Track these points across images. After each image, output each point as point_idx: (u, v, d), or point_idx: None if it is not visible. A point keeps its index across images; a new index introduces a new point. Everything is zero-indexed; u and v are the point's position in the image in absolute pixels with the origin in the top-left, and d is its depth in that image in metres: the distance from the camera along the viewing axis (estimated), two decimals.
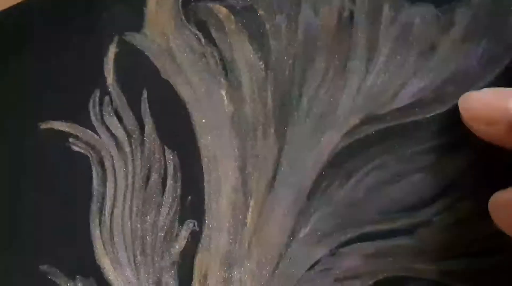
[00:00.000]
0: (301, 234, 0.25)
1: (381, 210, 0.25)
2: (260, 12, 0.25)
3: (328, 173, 0.25)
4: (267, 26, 0.25)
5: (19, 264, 0.26)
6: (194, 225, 0.26)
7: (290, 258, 0.25)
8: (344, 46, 0.25)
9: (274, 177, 0.26)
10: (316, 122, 0.25)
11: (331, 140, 0.25)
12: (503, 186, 0.25)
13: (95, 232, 0.26)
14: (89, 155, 0.26)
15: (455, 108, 0.24)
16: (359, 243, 0.25)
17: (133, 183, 0.26)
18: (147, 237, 0.26)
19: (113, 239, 0.26)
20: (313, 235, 0.25)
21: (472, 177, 0.25)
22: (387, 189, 0.25)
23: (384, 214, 0.25)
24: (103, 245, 0.26)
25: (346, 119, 0.25)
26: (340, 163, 0.25)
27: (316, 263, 0.25)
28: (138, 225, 0.26)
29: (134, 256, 0.26)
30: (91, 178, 0.26)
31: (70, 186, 0.26)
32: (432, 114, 0.25)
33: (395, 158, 0.25)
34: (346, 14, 0.25)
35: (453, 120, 0.25)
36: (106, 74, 0.25)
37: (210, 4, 0.25)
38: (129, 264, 0.26)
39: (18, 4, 0.24)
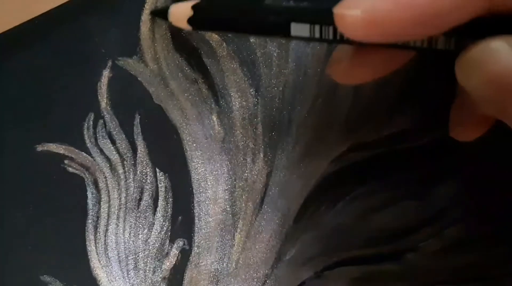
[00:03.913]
0: (287, 256, 0.25)
1: (368, 235, 0.25)
2: (252, 40, 0.24)
3: (315, 198, 0.25)
4: (259, 53, 0.24)
5: (20, 274, 0.26)
6: (184, 244, 0.25)
7: (276, 279, 0.25)
8: None
9: (262, 200, 0.25)
10: (304, 148, 0.25)
11: (319, 166, 0.25)
12: (490, 215, 0.24)
13: (91, 248, 0.25)
14: (84, 176, 0.25)
15: (443, 137, 0.23)
16: (344, 267, 0.25)
17: (126, 203, 0.25)
18: (140, 253, 0.25)
19: (107, 254, 0.25)
20: (299, 257, 0.25)
21: (459, 205, 0.24)
22: (373, 215, 0.25)
23: (370, 239, 0.25)
24: (98, 259, 0.25)
25: (334, 146, 0.24)
26: (327, 188, 0.25)
27: (301, 285, 0.25)
28: (131, 242, 0.25)
29: (128, 271, 0.25)
30: (86, 197, 0.25)
31: (67, 205, 0.25)
32: (419, 143, 0.24)
33: (382, 185, 0.25)
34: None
35: (440, 148, 0.24)
36: (100, 98, 0.25)
37: (202, 31, 0.24)
38: (123, 277, 0.25)
39: (13, 28, 0.24)
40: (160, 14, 0.23)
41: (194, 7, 0.21)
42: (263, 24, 0.19)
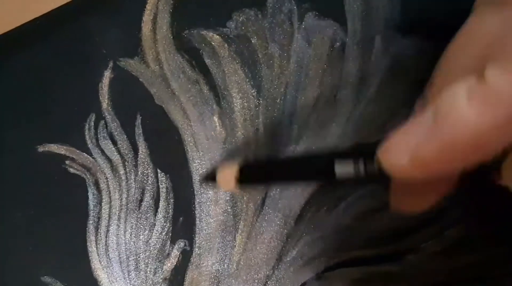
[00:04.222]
0: (288, 257, 0.25)
1: (368, 236, 0.24)
2: (254, 41, 0.24)
3: (317, 199, 0.25)
4: (260, 54, 0.24)
5: (20, 275, 0.25)
6: (185, 245, 0.25)
7: (277, 280, 0.25)
8: (335, 76, 0.24)
9: (263, 201, 0.25)
10: (305, 149, 0.25)
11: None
12: (491, 215, 0.24)
13: (92, 248, 0.25)
14: (85, 177, 0.25)
15: None
16: (345, 268, 0.24)
17: (127, 204, 0.25)
18: (141, 254, 0.25)
19: (108, 255, 0.25)
20: (300, 258, 0.25)
21: (460, 206, 0.24)
22: (375, 216, 0.24)
23: (371, 240, 0.24)
24: (99, 260, 0.25)
25: (336, 147, 0.24)
26: (328, 190, 0.24)
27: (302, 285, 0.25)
28: (132, 243, 0.25)
29: (128, 272, 0.25)
30: (87, 198, 0.25)
31: (68, 205, 0.25)
32: None
33: (383, 186, 0.25)
34: (338, 44, 0.24)
35: None
36: (101, 99, 0.24)
37: (204, 32, 0.24)
38: (123, 278, 0.25)
39: (14, 28, 0.24)
40: (209, 180, 0.23)
41: (241, 170, 0.21)
42: (309, 171, 0.19)
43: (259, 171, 0.21)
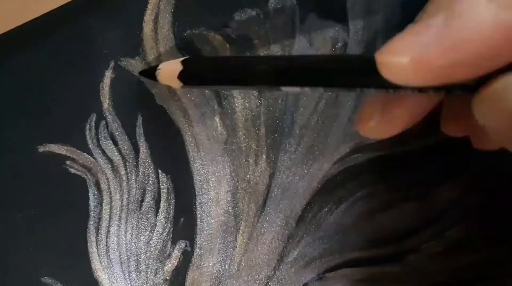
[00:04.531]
0: (290, 258, 0.25)
1: (370, 236, 0.24)
2: (255, 41, 0.24)
3: (318, 200, 0.24)
4: (261, 54, 0.24)
5: (20, 276, 0.25)
6: (186, 245, 0.25)
7: (278, 280, 0.25)
8: None
9: (264, 202, 0.25)
10: (307, 149, 0.24)
11: (321, 168, 0.24)
12: (491, 216, 0.24)
13: (92, 249, 0.25)
14: (85, 177, 0.25)
15: (445, 139, 0.22)
16: (346, 269, 0.24)
17: (128, 204, 0.25)
18: (142, 255, 0.25)
19: (109, 255, 0.25)
20: (301, 259, 0.25)
21: (461, 206, 0.24)
22: (376, 216, 0.24)
23: (372, 241, 0.24)
24: (100, 261, 0.25)
25: (337, 147, 0.24)
26: (330, 190, 0.24)
27: None
28: (133, 244, 0.25)
29: (129, 272, 0.25)
30: (88, 199, 0.25)
31: (68, 206, 0.24)
32: (421, 145, 0.24)
33: (385, 186, 0.24)
34: (340, 44, 0.24)
35: (442, 150, 0.24)
36: (102, 99, 0.24)
37: (205, 32, 0.24)
38: (124, 279, 0.25)
39: (15, 28, 0.23)
40: (148, 74, 0.22)
41: (184, 62, 0.20)
42: (258, 75, 0.19)
43: (207, 67, 0.20)
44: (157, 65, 0.21)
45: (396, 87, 0.16)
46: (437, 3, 0.16)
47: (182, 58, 0.21)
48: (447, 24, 0.15)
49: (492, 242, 0.24)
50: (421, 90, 0.17)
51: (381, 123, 0.19)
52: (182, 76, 0.20)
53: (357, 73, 0.17)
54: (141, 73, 0.23)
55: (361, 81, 0.17)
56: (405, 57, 0.15)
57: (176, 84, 0.21)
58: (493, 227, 0.24)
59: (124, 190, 0.25)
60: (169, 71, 0.21)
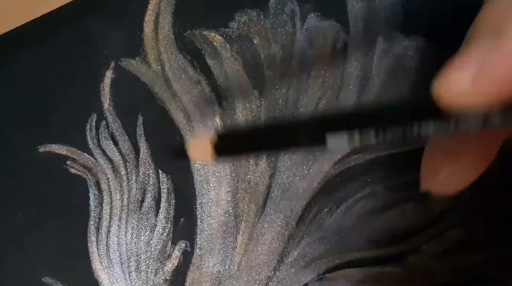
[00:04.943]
0: (290, 258, 0.25)
1: (370, 237, 0.24)
2: (256, 41, 0.24)
3: (318, 200, 0.24)
4: (262, 55, 0.24)
5: (21, 276, 0.25)
6: (186, 246, 0.25)
7: (278, 281, 0.25)
8: (337, 77, 0.24)
9: (264, 202, 0.25)
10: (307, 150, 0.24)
11: (321, 168, 0.24)
12: (491, 216, 0.24)
13: (93, 249, 0.25)
14: (86, 177, 0.25)
15: None
16: (346, 269, 0.24)
17: (128, 204, 0.25)
18: (142, 255, 0.25)
19: (109, 256, 0.25)
20: (301, 259, 0.25)
21: (461, 207, 0.24)
22: (376, 217, 0.24)
23: (372, 241, 0.24)
24: (100, 261, 0.25)
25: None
26: (330, 190, 0.24)
27: None
28: (133, 244, 0.25)
29: (129, 272, 0.25)
30: (88, 199, 0.25)
31: (69, 206, 0.24)
32: (421, 145, 0.24)
33: (385, 187, 0.24)
34: (340, 45, 0.24)
35: None
36: (102, 99, 0.24)
37: (206, 32, 0.24)
38: (124, 279, 0.25)
39: (15, 28, 0.23)
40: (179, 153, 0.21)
41: (217, 139, 0.19)
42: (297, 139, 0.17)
43: (238, 140, 0.19)
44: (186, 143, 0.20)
45: (457, 124, 0.15)
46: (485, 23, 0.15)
47: (213, 133, 0.19)
48: (499, 37, 0.14)
49: (492, 243, 0.24)
50: (485, 123, 0.15)
51: (450, 175, 0.18)
52: (215, 151, 0.19)
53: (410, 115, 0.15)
54: (172, 152, 0.22)
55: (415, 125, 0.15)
56: (465, 81, 0.14)
57: (210, 159, 0.20)
58: (493, 227, 0.24)
59: (125, 190, 0.25)
60: (201, 149, 0.19)
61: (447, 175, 0.17)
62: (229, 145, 0.19)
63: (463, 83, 0.14)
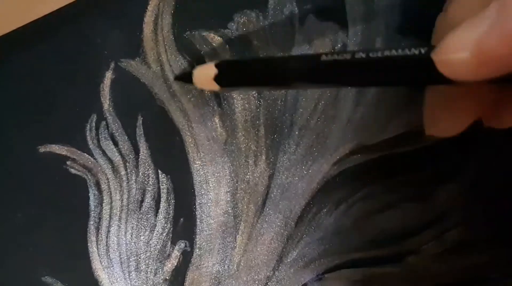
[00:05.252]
0: (289, 258, 0.25)
1: (369, 237, 0.24)
2: (255, 42, 0.24)
3: (317, 200, 0.24)
4: (261, 55, 0.24)
5: (21, 275, 0.25)
6: (185, 246, 0.25)
7: (277, 281, 0.25)
8: None
9: (264, 203, 0.25)
10: (306, 150, 0.24)
11: (321, 169, 0.24)
12: (491, 217, 0.24)
13: (93, 249, 0.25)
14: (86, 178, 0.25)
15: (444, 140, 0.22)
16: (346, 270, 0.24)
17: (128, 204, 0.25)
18: (141, 255, 0.25)
19: (109, 255, 0.25)
20: (301, 259, 0.25)
21: (460, 207, 0.24)
22: (375, 217, 0.24)
23: (371, 241, 0.24)
24: (100, 261, 0.25)
25: (336, 148, 0.24)
26: (329, 191, 0.24)
27: None
28: (133, 244, 0.25)
29: (129, 272, 0.25)
30: (88, 199, 0.25)
31: (69, 206, 0.24)
32: (421, 145, 0.24)
33: (384, 187, 0.24)
34: (339, 46, 0.24)
35: (442, 151, 0.24)
36: (102, 99, 0.24)
37: (205, 33, 0.24)
38: (124, 279, 0.25)
39: (16, 29, 0.23)
40: (184, 78, 0.23)
41: (218, 66, 0.20)
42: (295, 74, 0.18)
43: (241, 69, 0.20)
44: (191, 70, 0.22)
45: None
46: None
47: (215, 62, 0.21)
48: (502, 13, 0.14)
49: (492, 243, 0.24)
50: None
51: (450, 120, 0.19)
52: (217, 79, 0.20)
53: (411, 72, 0.17)
54: (176, 78, 0.23)
55: (416, 80, 0.17)
56: (465, 52, 0.15)
57: (213, 86, 0.20)
58: (493, 227, 0.24)
59: (124, 190, 0.25)
60: (204, 75, 0.21)
61: (446, 121, 0.19)
62: (233, 74, 0.20)
63: (462, 61, 0.15)
